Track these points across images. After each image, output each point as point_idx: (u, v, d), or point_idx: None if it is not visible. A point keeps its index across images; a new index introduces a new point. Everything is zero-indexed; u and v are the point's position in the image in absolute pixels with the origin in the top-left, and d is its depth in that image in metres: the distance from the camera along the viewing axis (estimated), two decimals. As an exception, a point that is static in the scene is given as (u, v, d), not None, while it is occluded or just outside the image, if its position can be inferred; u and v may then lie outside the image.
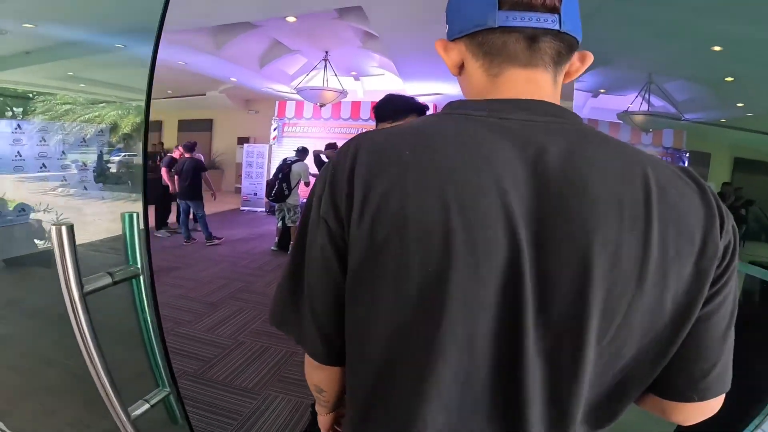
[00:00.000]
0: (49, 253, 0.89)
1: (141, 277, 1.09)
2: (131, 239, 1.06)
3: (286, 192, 5.72)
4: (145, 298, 1.11)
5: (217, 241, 6.53)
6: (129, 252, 1.07)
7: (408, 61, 6.35)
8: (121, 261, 1.07)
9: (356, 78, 8.98)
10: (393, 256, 0.50)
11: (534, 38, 0.54)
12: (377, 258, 0.51)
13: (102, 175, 2.71)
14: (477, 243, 0.48)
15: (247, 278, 4.98)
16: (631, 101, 3.53)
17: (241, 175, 11.00)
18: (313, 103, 7.57)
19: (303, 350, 0.66)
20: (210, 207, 9.95)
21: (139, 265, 1.07)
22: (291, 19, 5.42)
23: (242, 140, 12.80)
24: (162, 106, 13.63)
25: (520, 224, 0.48)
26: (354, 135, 0.63)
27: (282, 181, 5.73)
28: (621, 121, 4.08)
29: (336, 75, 7.26)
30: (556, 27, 0.53)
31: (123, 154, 2.89)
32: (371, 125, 9.10)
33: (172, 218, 6.99)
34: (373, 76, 8.77)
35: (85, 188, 2.52)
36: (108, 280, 0.98)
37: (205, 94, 12.17)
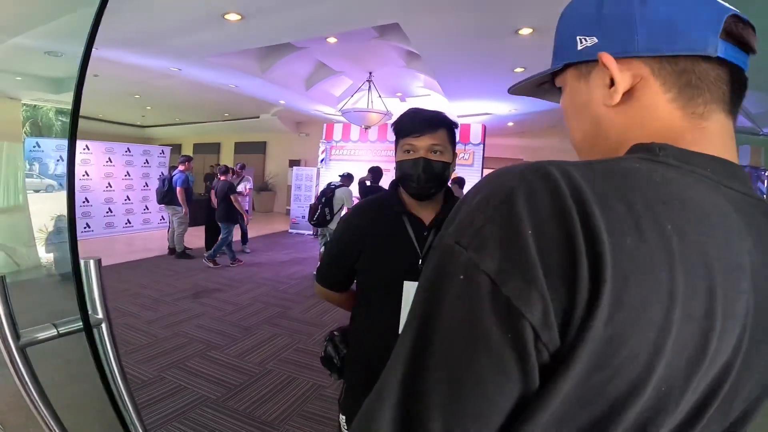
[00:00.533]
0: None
1: (102, 326, 0.98)
2: (89, 288, 0.96)
3: (328, 217, 5.68)
4: (110, 349, 1.01)
5: (234, 264, 6.65)
6: (87, 301, 0.97)
7: (452, 80, 6.22)
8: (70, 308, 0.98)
9: (402, 99, 8.94)
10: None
11: (741, 82, 0.46)
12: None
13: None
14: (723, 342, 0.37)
15: (285, 303, 4.94)
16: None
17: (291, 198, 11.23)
18: (358, 125, 7.58)
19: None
20: (260, 228, 10.25)
21: (100, 315, 0.97)
22: (332, 40, 5.47)
23: (293, 162, 13.15)
24: (219, 128, 14.36)
25: (749, 323, 0.38)
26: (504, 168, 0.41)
27: (324, 205, 5.70)
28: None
29: (380, 96, 7.24)
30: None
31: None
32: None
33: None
34: (419, 97, 8.69)
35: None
36: (52, 331, 0.87)
37: (258, 117, 12.67)
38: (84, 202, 8.57)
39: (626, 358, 0.32)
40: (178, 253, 7.09)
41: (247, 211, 7.88)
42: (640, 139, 0.45)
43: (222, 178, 6.83)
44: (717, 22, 0.43)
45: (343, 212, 5.81)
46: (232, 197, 6.74)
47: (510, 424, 0.33)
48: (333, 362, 1.29)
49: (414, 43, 4.86)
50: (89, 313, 0.99)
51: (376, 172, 5.78)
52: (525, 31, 4.27)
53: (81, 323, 0.91)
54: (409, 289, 1.13)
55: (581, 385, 0.32)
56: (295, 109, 10.21)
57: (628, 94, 0.46)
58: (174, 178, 6.82)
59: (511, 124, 10.00)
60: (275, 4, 3.88)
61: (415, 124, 1.18)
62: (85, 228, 8.60)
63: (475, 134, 8.50)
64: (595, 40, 0.48)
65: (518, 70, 5.54)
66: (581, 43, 0.49)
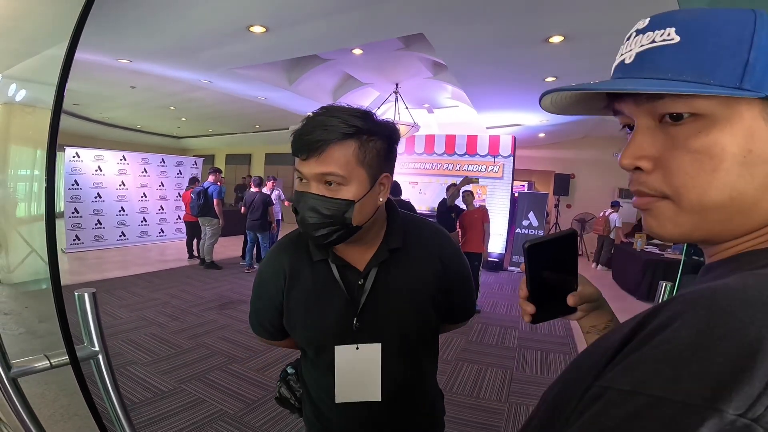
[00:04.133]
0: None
1: (99, 357, 0.95)
2: (84, 319, 0.94)
3: None
4: (108, 381, 0.97)
5: None
6: (83, 333, 0.94)
7: (480, 90, 6.11)
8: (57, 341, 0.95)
9: (429, 111, 8.87)
10: None
11: None
12: None
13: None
14: None
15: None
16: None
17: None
18: (384, 136, 7.55)
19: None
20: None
21: (96, 347, 0.93)
22: (357, 51, 5.47)
23: (322, 173, 13.22)
24: (250, 140, 14.64)
25: None
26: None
27: None
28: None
29: (407, 107, 7.19)
30: None
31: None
32: (446, 159, 8.87)
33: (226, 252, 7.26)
34: (447, 108, 8.60)
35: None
36: (45, 363, 0.84)
37: (288, 129, 12.77)
38: (120, 211, 8.87)
39: None
40: (207, 263, 7.25)
41: (278, 220, 7.98)
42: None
43: (256, 189, 7.00)
44: None
45: None
46: (271, 209, 6.85)
47: None
48: (291, 403, 1.13)
49: (440, 54, 4.80)
50: (86, 344, 0.96)
51: (394, 188, 5.70)
52: (555, 39, 4.13)
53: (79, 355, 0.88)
54: (343, 355, 0.94)
55: None
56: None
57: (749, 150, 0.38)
58: (209, 190, 6.99)
59: (542, 135, 9.75)
60: (299, 17, 3.90)
61: (301, 137, 0.80)
62: (120, 236, 8.89)
63: (505, 146, 8.34)
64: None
65: (549, 79, 5.39)
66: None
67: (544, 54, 4.47)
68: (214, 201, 7.12)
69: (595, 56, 4.46)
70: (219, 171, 7.36)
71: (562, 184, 9.43)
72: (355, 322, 0.93)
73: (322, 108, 0.84)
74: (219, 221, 7.22)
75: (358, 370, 0.94)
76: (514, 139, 8.28)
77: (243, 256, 7.53)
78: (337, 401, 0.96)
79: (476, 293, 5.50)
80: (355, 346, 0.93)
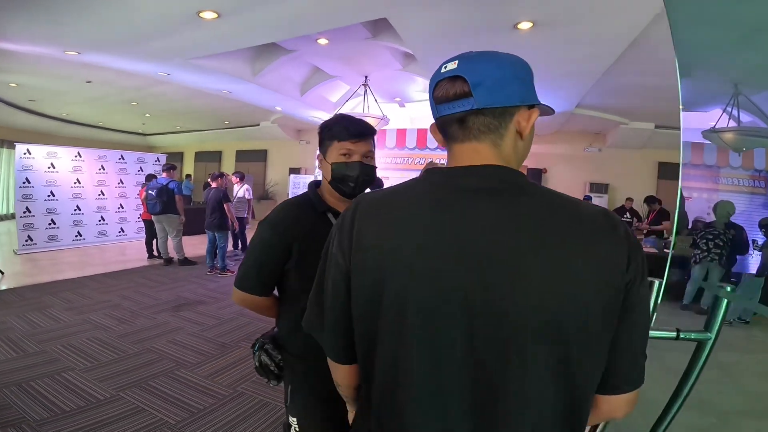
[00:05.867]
0: None
1: None
2: None
3: None
4: None
5: (229, 274, 6.51)
6: None
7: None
8: None
9: (401, 105, 8.70)
10: None
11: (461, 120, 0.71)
12: None
13: None
14: None
15: (270, 320, 4.64)
16: (717, 118, 2.89)
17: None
18: (354, 130, 7.33)
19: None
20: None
21: None
22: (323, 41, 5.23)
23: (294, 171, 12.94)
24: (220, 136, 14.22)
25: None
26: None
27: None
28: (707, 141, 3.41)
29: (377, 101, 7.00)
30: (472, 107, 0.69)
31: None
32: (418, 153, 8.70)
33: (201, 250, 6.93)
34: (418, 102, 8.44)
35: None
36: None
37: (258, 125, 12.50)
38: (75, 209, 8.39)
39: None
40: (181, 260, 7.03)
41: (244, 217, 7.68)
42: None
43: (213, 185, 6.64)
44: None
45: None
46: (227, 205, 6.53)
47: None
48: (270, 369, 1.30)
49: (406, 41, 4.61)
50: None
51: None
52: (525, 25, 3.99)
53: None
54: None
55: None
56: (293, 116, 10.00)
57: None
58: (170, 186, 6.65)
59: (514, 130, 9.70)
60: (252, 1, 3.64)
61: (354, 130, 1.25)
62: (76, 236, 8.41)
63: (477, 140, 8.23)
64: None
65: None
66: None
67: (514, 41, 4.33)
68: (177, 197, 6.79)
69: (565, 43, 4.35)
70: (174, 167, 7.04)
71: (535, 178, 9.38)
72: None
73: (346, 114, 1.36)
74: (180, 218, 6.90)
75: None
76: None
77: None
78: None
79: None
80: None
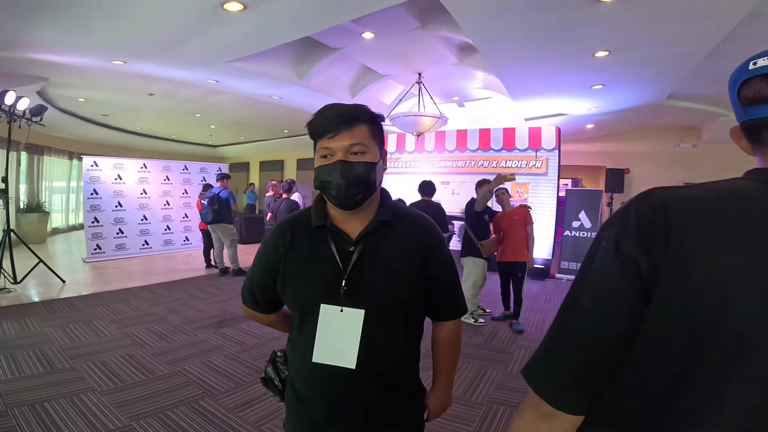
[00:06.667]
0: None
1: None
2: None
3: None
4: None
5: None
6: None
7: (514, 72, 5.28)
8: None
9: (460, 104, 8.09)
10: None
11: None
12: None
13: None
14: None
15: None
16: None
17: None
18: (409, 132, 6.85)
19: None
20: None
21: None
22: (368, 35, 4.81)
23: (353, 177, 12.71)
24: (282, 145, 14.38)
25: None
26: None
27: None
28: None
29: (432, 99, 6.47)
30: None
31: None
32: (481, 155, 8.04)
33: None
34: (479, 101, 7.79)
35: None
36: None
37: (317, 132, 12.41)
38: (143, 219, 8.68)
39: None
40: (235, 271, 7.00)
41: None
42: None
43: (285, 195, 6.69)
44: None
45: None
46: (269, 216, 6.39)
47: None
48: (274, 384, 1.20)
49: (463, 28, 4.03)
50: None
51: (424, 188, 4.95)
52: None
53: None
54: (327, 314, 1.02)
55: None
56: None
57: None
58: (221, 195, 6.63)
59: (590, 126, 8.68)
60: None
61: (327, 122, 1.01)
62: (143, 245, 8.69)
63: (548, 138, 7.38)
64: None
65: (600, 54, 4.49)
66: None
67: (595, 16, 3.60)
68: (232, 205, 6.77)
69: (663, 18, 3.57)
70: (227, 177, 6.99)
71: (616, 179, 8.33)
72: (343, 284, 1.01)
73: (332, 104, 1.05)
74: (233, 227, 6.89)
75: (339, 333, 1.01)
76: (559, 131, 7.30)
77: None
78: (313, 360, 1.02)
79: (520, 307, 4.70)
80: (339, 308, 1.01)
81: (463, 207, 5.01)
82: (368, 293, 1.01)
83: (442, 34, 4.78)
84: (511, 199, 4.86)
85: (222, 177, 6.96)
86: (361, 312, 1.00)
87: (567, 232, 7.53)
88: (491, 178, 4.50)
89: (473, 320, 4.70)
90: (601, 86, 5.75)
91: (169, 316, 4.75)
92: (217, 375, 3.34)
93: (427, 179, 5.00)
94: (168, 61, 5.28)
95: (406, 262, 1.05)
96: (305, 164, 14.51)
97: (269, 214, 6.90)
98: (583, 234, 7.36)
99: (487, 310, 5.16)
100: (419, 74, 6.22)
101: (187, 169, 9.51)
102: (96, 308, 4.90)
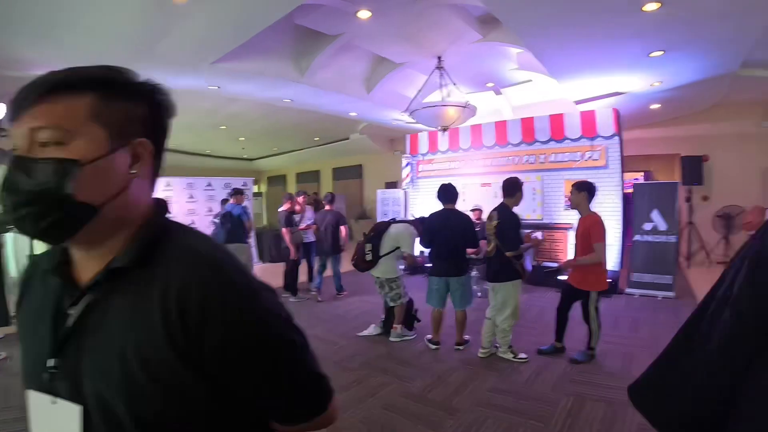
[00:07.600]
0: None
1: None
2: None
3: (368, 257, 4.16)
4: None
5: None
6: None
7: (549, 44, 4.23)
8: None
9: (497, 91, 7.04)
10: None
11: None
12: None
13: None
14: None
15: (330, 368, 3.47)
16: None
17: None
18: (434, 127, 5.95)
19: None
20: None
21: None
22: (363, 14, 3.98)
23: (390, 185, 11.90)
24: (315, 155, 13.89)
25: None
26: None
27: (367, 241, 4.22)
28: None
29: (456, 86, 5.53)
30: None
31: None
32: (526, 150, 6.91)
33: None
34: (518, 85, 6.71)
35: None
36: None
37: (348, 138, 11.78)
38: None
39: None
40: None
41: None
42: None
43: (328, 207, 6.18)
44: None
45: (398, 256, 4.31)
46: (283, 230, 5.73)
47: None
48: None
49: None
50: None
51: (443, 193, 4.06)
52: None
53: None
54: (37, 406, 0.64)
55: None
56: (373, 121, 9.00)
57: None
58: (234, 212, 6.06)
59: (655, 106, 7.28)
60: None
61: (18, 96, 0.56)
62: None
63: (605, 124, 6.14)
64: None
65: (650, 5, 3.40)
66: None
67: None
68: (247, 222, 6.19)
69: None
70: (241, 192, 6.39)
71: (693, 169, 6.92)
72: (50, 363, 0.61)
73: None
74: (249, 246, 6.29)
75: None
76: (617, 113, 6.05)
77: (285, 287, 6.39)
78: None
79: (591, 338, 3.66)
80: (51, 398, 0.62)
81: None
82: (89, 382, 0.58)
83: (456, 2, 3.86)
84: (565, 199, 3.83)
85: (235, 192, 6.39)
86: (77, 409, 0.59)
87: (638, 237, 6.13)
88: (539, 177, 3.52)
89: (512, 355, 3.71)
90: (660, 52, 4.58)
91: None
92: None
93: (446, 182, 4.09)
94: (151, 66, 4.78)
95: (153, 340, 0.56)
96: (341, 173, 13.98)
97: (313, 226, 6.32)
98: (658, 238, 5.97)
99: (466, 337, 4.08)
100: (438, 58, 5.31)
101: (211, 186, 9.16)
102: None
